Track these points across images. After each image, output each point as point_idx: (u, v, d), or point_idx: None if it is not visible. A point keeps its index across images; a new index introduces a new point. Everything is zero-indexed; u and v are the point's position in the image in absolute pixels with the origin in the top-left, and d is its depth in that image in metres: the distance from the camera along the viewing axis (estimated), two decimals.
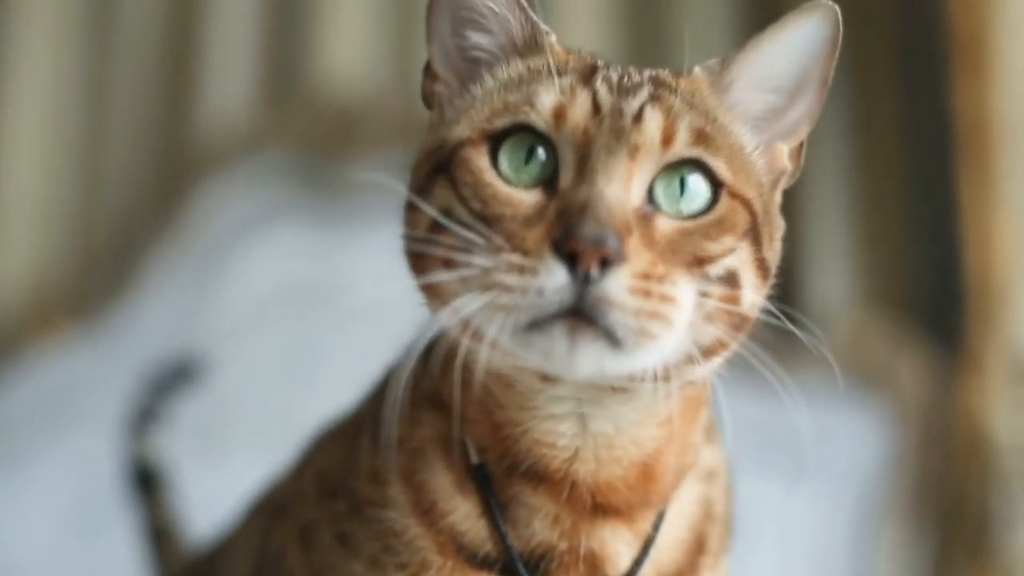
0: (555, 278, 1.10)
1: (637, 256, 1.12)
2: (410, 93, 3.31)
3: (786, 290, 1.28)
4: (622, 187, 1.15)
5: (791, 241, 1.33)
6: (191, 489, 2.10)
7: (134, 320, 3.11)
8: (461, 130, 1.23)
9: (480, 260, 1.14)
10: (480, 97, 1.28)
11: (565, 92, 1.21)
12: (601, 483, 1.27)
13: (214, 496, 1.79)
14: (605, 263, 1.09)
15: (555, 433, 1.25)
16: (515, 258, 1.12)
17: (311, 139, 3.20)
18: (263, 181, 3.18)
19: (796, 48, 1.28)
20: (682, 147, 1.20)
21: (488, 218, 1.17)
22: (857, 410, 2.85)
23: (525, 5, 1.28)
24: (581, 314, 1.11)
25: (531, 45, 1.29)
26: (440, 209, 1.20)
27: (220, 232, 3.15)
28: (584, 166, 1.17)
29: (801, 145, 1.34)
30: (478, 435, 1.29)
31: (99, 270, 3.32)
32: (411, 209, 1.24)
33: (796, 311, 1.25)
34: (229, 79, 3.33)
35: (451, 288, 1.17)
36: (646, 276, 1.11)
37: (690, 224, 1.19)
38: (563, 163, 1.18)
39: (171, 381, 2.14)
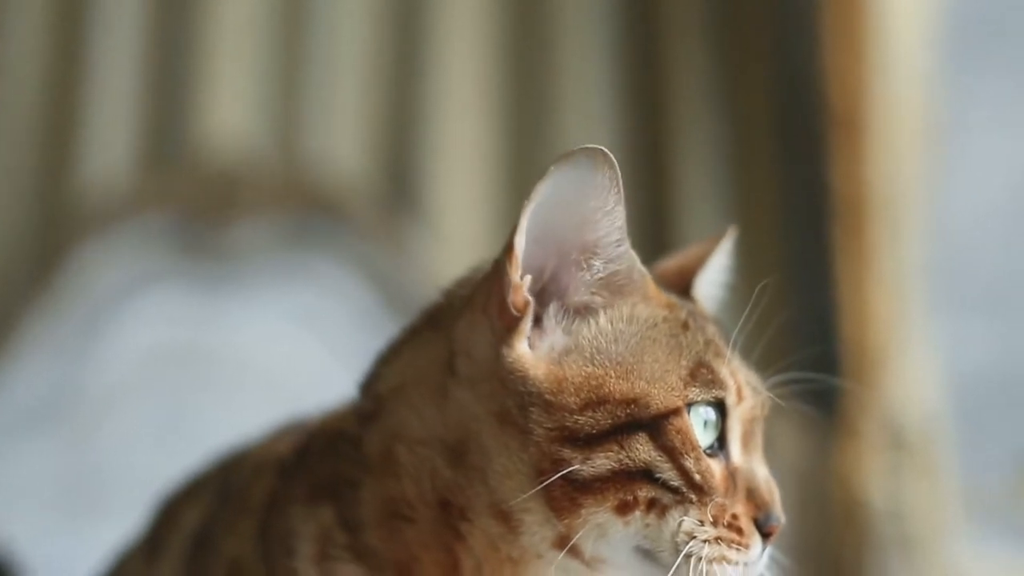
0: (758, 553, 1.25)
1: None
2: (292, 157, 3.32)
3: None
4: None
5: None
6: (60, 556, 2.06)
7: (9, 385, 3.05)
8: (664, 398, 1.23)
9: (694, 527, 1.23)
10: (620, 346, 1.26)
11: (731, 367, 1.30)
12: None
13: (83, 564, 1.75)
14: None
15: None
16: (734, 535, 1.24)
17: (192, 202, 3.17)
18: (143, 245, 3.14)
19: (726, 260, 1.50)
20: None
21: (699, 487, 1.23)
22: None
23: (634, 256, 1.28)
24: None
25: (632, 283, 1.29)
26: (642, 465, 1.22)
27: (99, 296, 3.10)
28: (749, 442, 1.29)
29: None
30: None
31: None
32: (585, 446, 1.22)
33: None
34: (108, 142, 3.29)
35: (604, 518, 1.22)
36: None
37: None
38: (731, 435, 1.27)
39: None
